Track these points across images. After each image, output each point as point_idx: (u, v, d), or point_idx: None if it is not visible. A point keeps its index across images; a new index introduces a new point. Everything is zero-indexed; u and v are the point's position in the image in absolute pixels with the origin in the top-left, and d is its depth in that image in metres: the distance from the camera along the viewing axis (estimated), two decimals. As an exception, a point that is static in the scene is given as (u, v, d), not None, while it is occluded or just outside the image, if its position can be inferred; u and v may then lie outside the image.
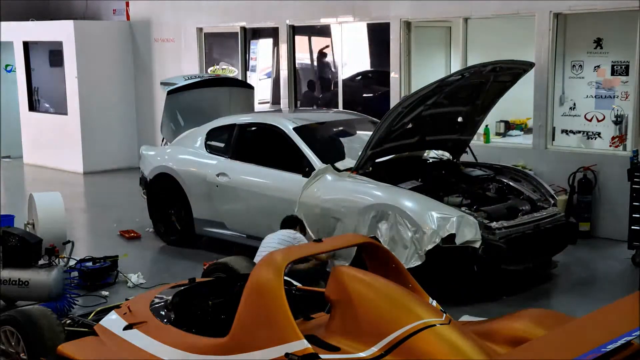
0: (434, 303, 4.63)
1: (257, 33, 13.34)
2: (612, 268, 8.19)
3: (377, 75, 12.21)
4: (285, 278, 4.66)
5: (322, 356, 3.90)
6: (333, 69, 12.47)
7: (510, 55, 8.57)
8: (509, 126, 11.07)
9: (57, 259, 6.87)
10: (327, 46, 12.69)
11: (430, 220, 6.69)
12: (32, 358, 4.91)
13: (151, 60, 14.48)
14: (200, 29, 13.69)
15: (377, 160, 7.69)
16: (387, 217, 6.87)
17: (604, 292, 7.33)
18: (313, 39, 12.87)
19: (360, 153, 7.49)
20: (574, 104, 9.63)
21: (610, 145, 9.37)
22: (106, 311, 5.26)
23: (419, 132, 7.89)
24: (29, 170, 14.92)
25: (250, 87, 10.78)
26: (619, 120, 9.30)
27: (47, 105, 15.17)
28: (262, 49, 13.64)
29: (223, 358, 4.22)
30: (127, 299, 5.52)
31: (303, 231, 7.08)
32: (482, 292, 7.08)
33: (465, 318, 5.82)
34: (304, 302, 4.75)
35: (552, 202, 7.73)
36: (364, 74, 12.64)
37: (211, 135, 8.91)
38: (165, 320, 4.79)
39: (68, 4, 16.59)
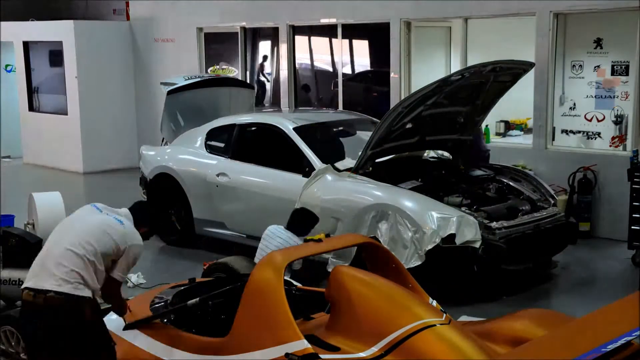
0: (434, 303, 4.63)
1: (257, 33, 13.34)
2: (612, 268, 8.19)
3: (377, 76, 12.21)
4: (285, 278, 4.66)
5: (322, 356, 3.90)
6: (332, 69, 12.47)
7: (510, 55, 8.58)
8: (509, 126, 11.09)
9: (57, 259, 6.85)
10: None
11: (430, 220, 6.69)
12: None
13: (151, 60, 14.47)
14: (200, 29, 13.68)
15: (377, 160, 7.68)
16: (387, 217, 6.87)
17: (604, 292, 7.32)
18: (313, 39, 12.87)
19: (360, 153, 7.50)
20: (574, 104, 9.62)
21: (610, 145, 9.37)
22: (106, 311, 5.25)
23: (419, 132, 7.89)
24: (29, 170, 14.91)
25: (251, 87, 10.77)
26: (619, 120, 9.30)
27: (47, 106, 15.16)
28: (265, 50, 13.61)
29: (223, 358, 4.22)
30: (127, 299, 5.51)
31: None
32: (482, 292, 7.07)
33: (464, 318, 5.83)
34: (304, 302, 4.75)
35: (552, 202, 7.73)
36: (364, 73, 12.64)
37: (211, 135, 8.91)
38: (165, 320, 4.79)
39: (68, 4, 16.59)
